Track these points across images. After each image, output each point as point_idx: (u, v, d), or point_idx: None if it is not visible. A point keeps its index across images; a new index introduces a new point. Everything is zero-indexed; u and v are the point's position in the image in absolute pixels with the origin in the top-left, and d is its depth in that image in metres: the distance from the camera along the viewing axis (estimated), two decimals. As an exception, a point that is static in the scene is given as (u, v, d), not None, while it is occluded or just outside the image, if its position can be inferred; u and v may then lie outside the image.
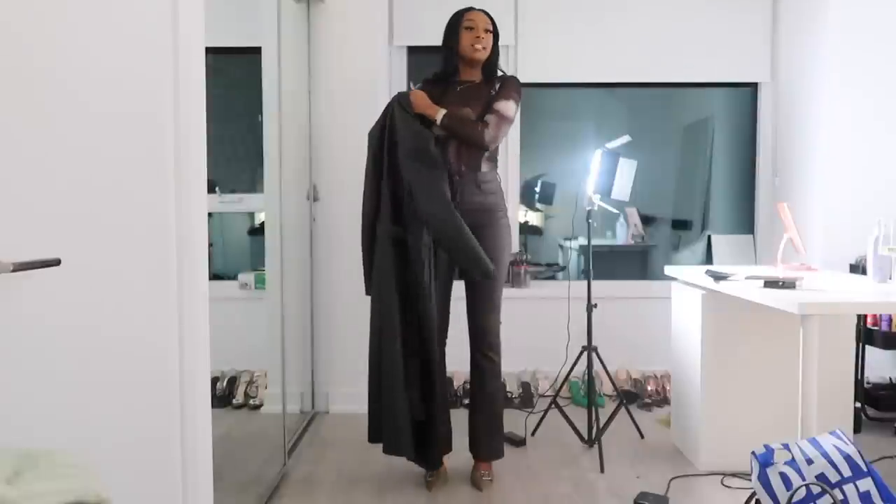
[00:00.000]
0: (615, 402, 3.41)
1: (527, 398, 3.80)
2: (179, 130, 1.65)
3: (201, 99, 1.75)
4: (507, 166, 4.11)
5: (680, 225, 5.43)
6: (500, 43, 2.81)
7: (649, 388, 3.90)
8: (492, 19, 2.78)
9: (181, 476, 1.69)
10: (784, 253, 3.04)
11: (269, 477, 2.74)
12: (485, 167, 2.74)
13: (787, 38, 4.04)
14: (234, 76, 4.24)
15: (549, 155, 5.11)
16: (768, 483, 1.90)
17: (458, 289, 2.79)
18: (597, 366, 3.17)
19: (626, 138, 3.24)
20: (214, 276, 4.00)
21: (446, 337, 2.81)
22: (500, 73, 2.82)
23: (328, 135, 3.63)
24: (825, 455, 1.88)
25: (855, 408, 3.07)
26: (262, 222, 3.82)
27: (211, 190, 3.23)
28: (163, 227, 1.63)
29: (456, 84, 2.78)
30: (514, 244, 4.23)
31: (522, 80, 2.86)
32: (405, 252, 2.67)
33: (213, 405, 2.85)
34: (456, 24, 2.76)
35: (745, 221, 4.39)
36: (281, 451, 2.90)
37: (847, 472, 1.84)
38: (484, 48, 2.73)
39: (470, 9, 2.79)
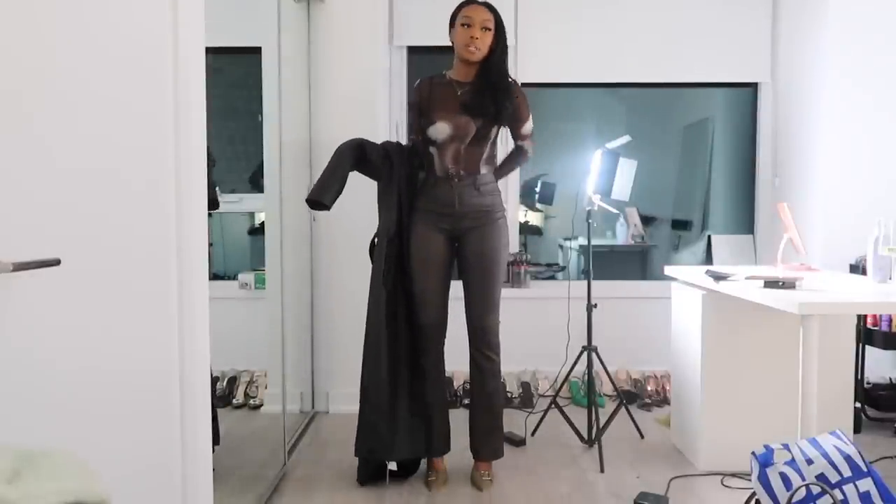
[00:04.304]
0: (615, 402, 3.41)
1: (527, 398, 3.80)
2: (179, 131, 1.65)
3: (201, 99, 1.75)
4: (507, 166, 4.10)
5: (680, 225, 5.43)
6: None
7: (649, 388, 3.90)
8: (495, 14, 2.62)
9: (181, 476, 1.68)
10: (784, 253, 3.03)
11: (269, 477, 2.74)
12: (483, 169, 2.72)
13: (787, 38, 4.04)
14: (234, 76, 4.24)
15: (549, 155, 5.11)
16: (768, 483, 1.90)
17: (457, 289, 2.79)
18: (597, 366, 3.17)
19: (626, 138, 3.23)
20: (214, 276, 4.00)
21: (444, 337, 2.80)
22: (510, 80, 2.69)
23: (328, 135, 3.62)
24: (825, 455, 1.88)
25: (855, 408, 3.07)
26: (262, 222, 3.82)
27: (211, 190, 3.22)
28: (163, 227, 1.63)
29: (455, 87, 2.70)
30: (514, 244, 4.23)
31: (522, 80, 2.83)
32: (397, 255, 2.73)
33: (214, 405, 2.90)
34: (454, 17, 2.65)
35: (745, 221, 4.39)
36: (281, 451, 2.90)
37: (847, 473, 1.85)
38: (478, 49, 2.60)
39: (470, 1, 2.65)
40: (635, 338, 4.00)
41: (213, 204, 3.01)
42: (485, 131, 2.68)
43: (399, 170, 2.73)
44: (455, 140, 2.65)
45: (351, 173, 2.75)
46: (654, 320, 3.81)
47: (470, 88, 2.68)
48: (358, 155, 2.73)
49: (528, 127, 2.79)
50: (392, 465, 2.73)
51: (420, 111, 2.73)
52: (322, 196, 2.63)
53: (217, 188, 3.05)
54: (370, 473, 2.75)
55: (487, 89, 2.66)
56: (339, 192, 2.68)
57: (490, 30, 2.61)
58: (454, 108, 2.66)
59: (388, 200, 2.75)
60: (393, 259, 2.72)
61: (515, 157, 2.90)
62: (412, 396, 2.75)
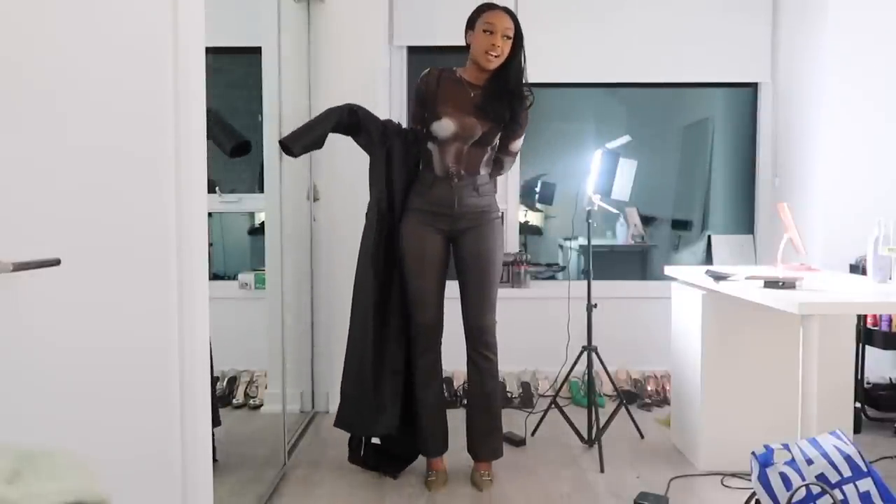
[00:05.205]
0: (615, 402, 3.41)
1: (527, 398, 3.80)
2: (179, 130, 1.65)
3: (201, 99, 1.75)
4: (507, 166, 4.11)
5: (680, 225, 5.43)
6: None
7: (649, 388, 3.90)
8: (516, 22, 2.58)
9: (181, 476, 1.69)
10: (784, 253, 3.04)
11: (269, 477, 2.74)
12: (483, 171, 2.72)
13: (787, 38, 4.04)
14: (234, 76, 4.24)
15: (549, 155, 5.11)
16: (768, 483, 1.90)
17: (452, 288, 2.78)
18: (597, 366, 3.17)
19: (626, 138, 3.24)
20: (214, 276, 4.00)
21: (441, 336, 2.80)
22: (527, 90, 2.66)
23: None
24: (825, 455, 1.88)
25: (855, 408, 3.07)
26: (262, 222, 3.82)
27: (211, 190, 3.22)
28: (163, 227, 1.63)
29: (468, 88, 2.67)
30: (514, 244, 4.23)
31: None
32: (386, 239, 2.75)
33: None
34: (473, 21, 2.62)
35: (745, 221, 4.39)
36: (281, 451, 2.90)
37: (847, 473, 1.85)
38: (497, 57, 2.56)
39: (492, 6, 2.62)
40: (635, 338, 4.00)
41: (246, 146, 3.01)
42: (490, 135, 2.66)
43: (395, 150, 2.72)
44: (458, 140, 2.64)
45: (357, 166, 2.80)
46: (654, 320, 3.81)
47: (483, 92, 2.66)
48: (350, 120, 2.74)
49: (517, 144, 2.79)
50: (375, 440, 2.84)
51: (424, 102, 2.70)
52: (293, 144, 2.66)
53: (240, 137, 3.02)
54: (354, 448, 2.86)
55: (504, 95, 2.64)
56: (313, 146, 2.73)
57: (510, 38, 2.58)
58: (465, 108, 2.64)
59: (378, 178, 2.74)
60: (383, 236, 2.73)
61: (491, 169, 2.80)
62: (394, 372, 2.76)
